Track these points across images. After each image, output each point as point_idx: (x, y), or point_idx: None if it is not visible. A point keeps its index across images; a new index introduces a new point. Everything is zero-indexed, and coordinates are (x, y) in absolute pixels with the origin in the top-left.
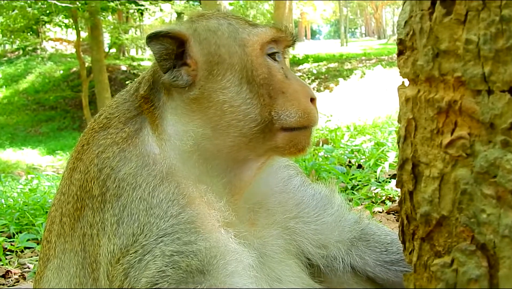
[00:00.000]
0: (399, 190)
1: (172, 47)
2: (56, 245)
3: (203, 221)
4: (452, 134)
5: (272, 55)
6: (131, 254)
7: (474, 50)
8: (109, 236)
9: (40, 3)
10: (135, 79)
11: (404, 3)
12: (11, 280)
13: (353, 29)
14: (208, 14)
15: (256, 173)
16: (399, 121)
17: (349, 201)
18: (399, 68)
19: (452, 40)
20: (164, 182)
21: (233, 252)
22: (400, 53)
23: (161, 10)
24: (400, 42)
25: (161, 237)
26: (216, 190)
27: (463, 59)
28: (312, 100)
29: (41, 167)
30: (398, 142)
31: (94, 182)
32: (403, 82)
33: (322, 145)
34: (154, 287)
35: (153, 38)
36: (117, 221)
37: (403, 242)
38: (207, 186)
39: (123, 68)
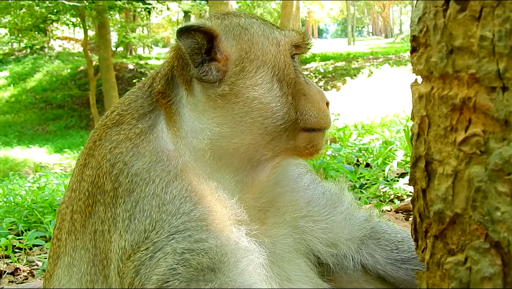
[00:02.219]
0: (407, 188)
1: (202, 42)
2: (67, 242)
3: (214, 218)
4: (466, 131)
5: (292, 58)
6: (142, 251)
7: (488, 46)
8: (120, 232)
9: (47, 2)
10: (147, 76)
11: (418, 0)
12: (20, 278)
13: (360, 28)
14: (236, 13)
15: (270, 173)
16: (412, 118)
17: (358, 200)
18: (412, 65)
19: (467, 37)
20: (178, 178)
21: (244, 251)
22: (413, 50)
23: (168, 8)
24: (413, 39)
25: (172, 234)
26: (228, 187)
27: (478, 56)
28: (327, 104)
29: (48, 165)
30: (411, 140)
31: (106, 177)
32: (416, 79)
33: (330, 144)
34: (164, 285)
35: (184, 32)
36: (129, 217)
37: (416, 240)
38: (219, 183)
39: (130, 66)
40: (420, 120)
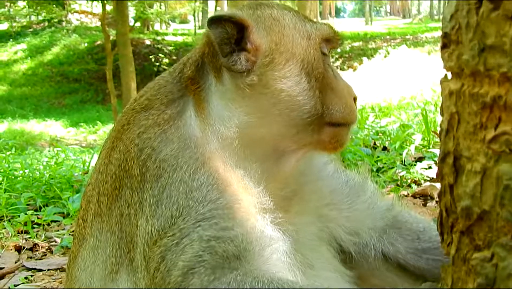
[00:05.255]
0: (425, 173)
1: (233, 32)
2: (93, 224)
3: (240, 206)
4: (495, 129)
5: (323, 52)
6: (168, 236)
7: None
8: (147, 217)
9: None
10: (179, 61)
11: None
12: (38, 253)
13: (378, 8)
14: (270, 4)
15: (295, 164)
16: (441, 114)
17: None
18: (443, 61)
19: (499, 36)
20: (205, 165)
21: (269, 239)
22: (444, 46)
23: None
24: (445, 35)
25: (199, 222)
26: (254, 176)
27: (510, 55)
28: (354, 99)
29: (64, 139)
30: (439, 135)
31: (134, 162)
32: (446, 74)
33: None
34: (190, 272)
35: (215, 22)
36: (156, 202)
37: (441, 234)
38: (245, 171)
39: (147, 42)
40: (449, 117)
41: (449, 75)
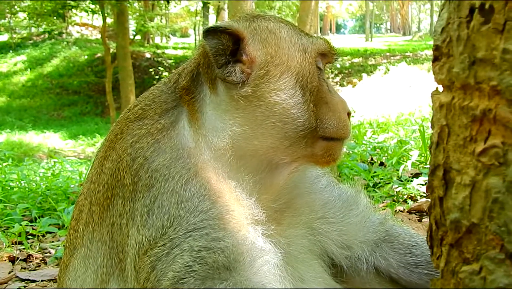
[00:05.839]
0: (421, 189)
1: (228, 43)
2: (84, 234)
3: (231, 217)
4: (485, 142)
5: (318, 66)
6: (159, 246)
7: (511, 59)
8: (138, 226)
9: None
10: (174, 71)
11: (442, 9)
12: (32, 264)
13: (378, 25)
14: (266, 16)
15: (287, 177)
16: (432, 127)
17: (371, 199)
18: (434, 74)
19: (489, 49)
20: (197, 176)
21: (259, 250)
22: (435, 59)
23: None
24: (436, 48)
25: (190, 232)
26: (246, 187)
27: (500, 68)
28: (348, 114)
29: (62, 151)
30: (430, 148)
31: (126, 171)
32: (437, 87)
33: None
34: (180, 282)
35: (211, 33)
36: (147, 212)
37: (431, 247)
38: (237, 182)
39: (147, 55)
40: (439, 129)
41: (440, 88)
